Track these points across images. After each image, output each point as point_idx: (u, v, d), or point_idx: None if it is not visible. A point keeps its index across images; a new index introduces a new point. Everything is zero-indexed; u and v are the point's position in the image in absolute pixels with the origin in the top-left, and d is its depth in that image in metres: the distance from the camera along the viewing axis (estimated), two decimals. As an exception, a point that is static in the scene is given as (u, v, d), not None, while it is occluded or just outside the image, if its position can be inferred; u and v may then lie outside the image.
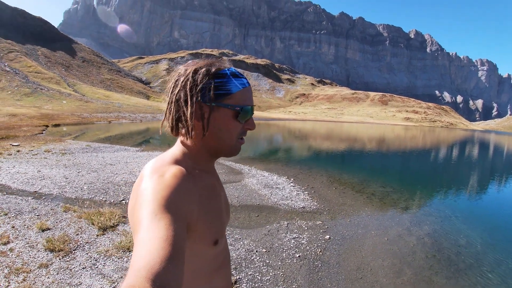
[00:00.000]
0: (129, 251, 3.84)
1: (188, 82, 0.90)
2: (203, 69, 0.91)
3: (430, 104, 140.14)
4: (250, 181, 8.49)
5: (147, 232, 0.67)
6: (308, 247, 4.73)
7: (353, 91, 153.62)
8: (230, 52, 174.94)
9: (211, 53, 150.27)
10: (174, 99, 0.91)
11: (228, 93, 0.90)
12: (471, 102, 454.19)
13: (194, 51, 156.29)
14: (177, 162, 0.90)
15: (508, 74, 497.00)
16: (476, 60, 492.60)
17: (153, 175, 0.83)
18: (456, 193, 10.36)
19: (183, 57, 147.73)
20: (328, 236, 5.27)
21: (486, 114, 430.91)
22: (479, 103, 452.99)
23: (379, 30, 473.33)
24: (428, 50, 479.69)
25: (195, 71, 0.91)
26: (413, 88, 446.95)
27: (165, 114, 0.95)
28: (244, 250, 4.43)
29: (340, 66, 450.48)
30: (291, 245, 4.74)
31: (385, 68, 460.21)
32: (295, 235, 5.15)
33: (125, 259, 3.69)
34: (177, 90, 0.91)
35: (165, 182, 0.78)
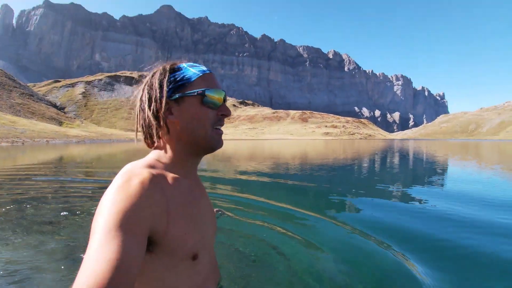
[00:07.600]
0: None
1: (147, 86, 0.90)
2: (159, 70, 0.92)
3: (349, 118, 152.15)
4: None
5: (97, 250, 0.63)
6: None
7: (274, 110, 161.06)
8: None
9: (130, 75, 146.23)
10: (139, 107, 0.91)
11: (188, 81, 0.89)
12: (388, 115, 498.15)
13: (112, 74, 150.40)
14: (149, 166, 0.85)
15: (422, 86, 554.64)
16: (391, 76, 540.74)
17: (119, 179, 0.77)
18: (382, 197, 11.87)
19: (100, 79, 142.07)
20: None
21: (403, 125, 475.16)
22: (396, 115, 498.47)
23: (299, 51, 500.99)
24: (346, 69, 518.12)
25: (153, 75, 0.92)
26: (333, 106, 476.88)
27: (136, 128, 0.93)
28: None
29: (262, 87, 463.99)
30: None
31: (306, 88, 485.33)
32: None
33: None
34: (139, 96, 0.92)
35: (127, 192, 0.72)
